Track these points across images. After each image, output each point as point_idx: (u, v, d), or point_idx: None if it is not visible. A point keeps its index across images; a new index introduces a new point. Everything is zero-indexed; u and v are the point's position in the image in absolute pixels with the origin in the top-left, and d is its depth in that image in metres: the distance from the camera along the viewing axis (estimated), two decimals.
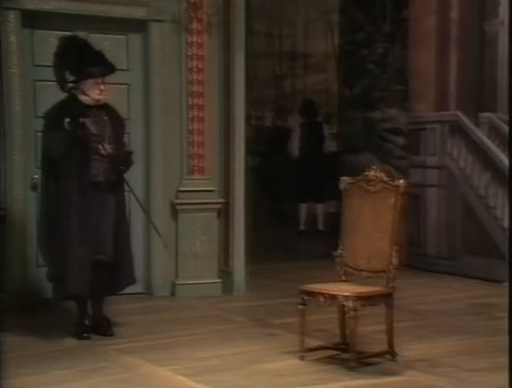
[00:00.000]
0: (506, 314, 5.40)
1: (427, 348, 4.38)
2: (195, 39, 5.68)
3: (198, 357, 4.17)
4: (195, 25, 5.65)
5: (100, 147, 4.46)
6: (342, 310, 4.06)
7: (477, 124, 6.75)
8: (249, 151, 6.71)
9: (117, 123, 4.65)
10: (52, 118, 4.58)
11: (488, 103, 6.67)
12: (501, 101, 6.57)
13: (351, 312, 3.90)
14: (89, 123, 4.49)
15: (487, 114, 6.68)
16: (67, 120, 4.39)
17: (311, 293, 4.06)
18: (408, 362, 4.08)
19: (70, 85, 4.59)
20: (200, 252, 5.75)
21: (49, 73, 4.82)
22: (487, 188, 6.68)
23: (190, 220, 5.74)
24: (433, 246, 7.12)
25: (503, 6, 6.52)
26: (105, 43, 4.90)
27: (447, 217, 6.99)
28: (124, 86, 5.56)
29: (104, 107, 4.59)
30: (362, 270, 4.17)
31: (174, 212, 5.76)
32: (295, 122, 9.32)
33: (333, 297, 3.97)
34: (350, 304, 3.90)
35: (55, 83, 4.66)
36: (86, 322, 4.61)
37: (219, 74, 5.82)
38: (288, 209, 9.32)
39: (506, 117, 6.54)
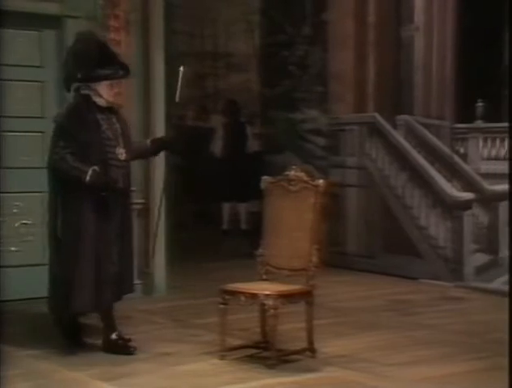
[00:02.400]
0: (422, 310, 5.59)
1: (346, 344, 4.46)
2: (112, 36, 5.58)
3: (116, 361, 4.10)
4: (112, 22, 5.56)
5: (117, 151, 4.26)
6: (263, 309, 4.07)
7: (394, 126, 6.93)
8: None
9: (125, 126, 4.45)
10: (67, 125, 4.25)
11: (405, 105, 6.86)
12: (418, 104, 6.78)
13: (271, 310, 3.92)
14: (104, 126, 4.27)
15: (404, 116, 6.87)
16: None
17: (232, 293, 4.05)
18: (327, 359, 4.14)
19: (79, 84, 4.33)
20: None
21: None
22: (404, 188, 6.87)
23: None
24: (353, 245, 7.25)
25: (418, 11, 6.74)
26: (18, 39, 4.71)
27: (367, 217, 7.14)
28: (38, 83, 5.38)
29: (113, 110, 4.38)
30: (283, 269, 4.20)
31: None
32: (217, 122, 9.30)
33: (253, 296, 3.98)
34: (271, 302, 3.92)
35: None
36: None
37: (138, 73, 5.73)
38: (212, 209, 9.28)
39: (422, 120, 6.76)
